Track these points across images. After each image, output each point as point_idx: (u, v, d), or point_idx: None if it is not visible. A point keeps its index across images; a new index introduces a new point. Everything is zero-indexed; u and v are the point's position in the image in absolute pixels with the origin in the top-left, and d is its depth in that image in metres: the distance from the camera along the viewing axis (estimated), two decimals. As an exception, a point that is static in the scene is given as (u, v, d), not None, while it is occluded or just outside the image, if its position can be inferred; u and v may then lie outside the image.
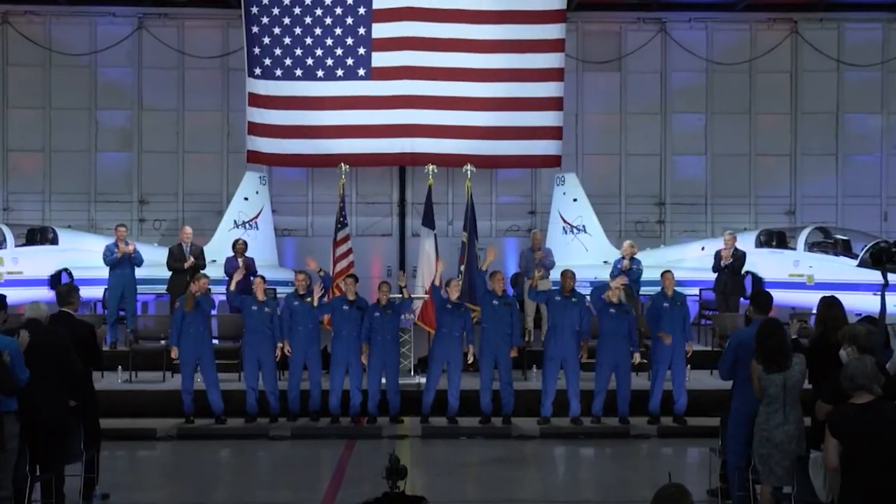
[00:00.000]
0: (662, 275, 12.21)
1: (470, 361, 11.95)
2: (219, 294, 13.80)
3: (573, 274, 12.28)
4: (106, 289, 14.82)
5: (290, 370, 12.14)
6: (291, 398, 12.07)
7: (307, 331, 12.04)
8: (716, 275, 15.03)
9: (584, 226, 17.32)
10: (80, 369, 7.95)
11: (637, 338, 11.97)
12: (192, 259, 14.52)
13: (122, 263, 14.39)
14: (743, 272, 15.03)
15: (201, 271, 13.46)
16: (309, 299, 12.04)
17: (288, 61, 17.08)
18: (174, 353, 11.94)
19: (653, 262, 15.94)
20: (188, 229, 15.10)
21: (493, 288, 12.19)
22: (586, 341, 11.96)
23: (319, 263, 13.01)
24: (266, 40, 17.05)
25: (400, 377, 12.26)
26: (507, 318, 11.99)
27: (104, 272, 14.69)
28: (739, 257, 14.90)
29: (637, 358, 11.93)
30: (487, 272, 12.72)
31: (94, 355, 8.52)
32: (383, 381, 12.00)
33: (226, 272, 14.61)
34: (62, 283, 13.88)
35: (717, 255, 15.02)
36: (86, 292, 15.03)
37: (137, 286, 14.83)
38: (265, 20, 17.05)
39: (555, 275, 13.71)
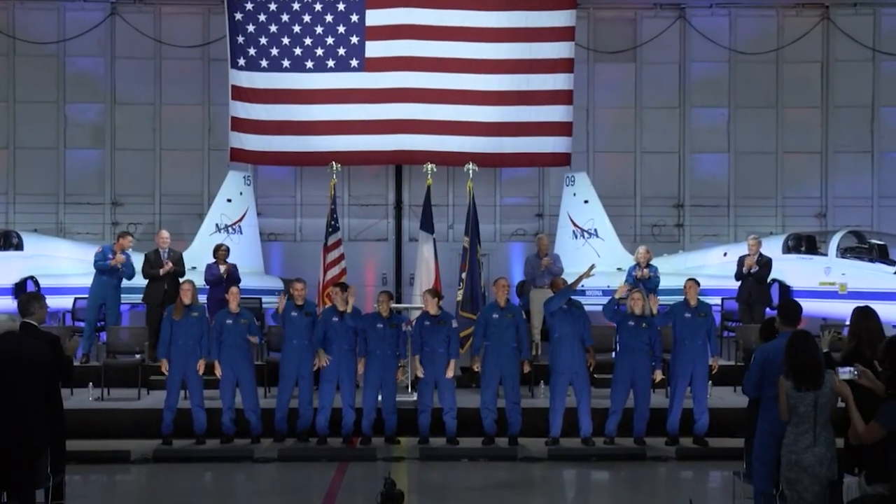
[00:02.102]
0: (686, 283, 12.24)
1: (449, 376, 11.90)
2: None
3: (564, 280, 12.38)
4: (76, 298, 14.79)
5: (279, 386, 12.11)
6: (279, 417, 12.08)
7: (302, 345, 12.02)
8: (739, 283, 15.07)
9: (595, 229, 17.36)
10: (60, 386, 7.99)
11: (660, 353, 11.97)
12: (169, 265, 14.51)
13: (111, 272, 14.36)
14: (769, 280, 15.07)
15: (183, 278, 13.46)
16: (310, 314, 12.05)
17: (274, 51, 17.17)
18: (164, 367, 11.84)
19: (671, 269, 15.98)
20: (165, 233, 15.07)
21: (496, 298, 12.14)
22: (592, 348, 11.98)
23: (310, 273, 12.94)
24: (250, 28, 17.12)
25: (397, 394, 12.25)
26: (511, 331, 11.94)
27: (74, 280, 14.68)
28: (765, 264, 14.93)
29: (658, 375, 11.94)
30: (488, 283, 12.66)
31: (62, 370, 8.53)
32: (379, 398, 12.02)
33: (206, 280, 14.65)
34: (28, 291, 13.87)
35: (741, 262, 15.05)
36: (54, 302, 15.07)
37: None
38: (249, 6, 17.13)
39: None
